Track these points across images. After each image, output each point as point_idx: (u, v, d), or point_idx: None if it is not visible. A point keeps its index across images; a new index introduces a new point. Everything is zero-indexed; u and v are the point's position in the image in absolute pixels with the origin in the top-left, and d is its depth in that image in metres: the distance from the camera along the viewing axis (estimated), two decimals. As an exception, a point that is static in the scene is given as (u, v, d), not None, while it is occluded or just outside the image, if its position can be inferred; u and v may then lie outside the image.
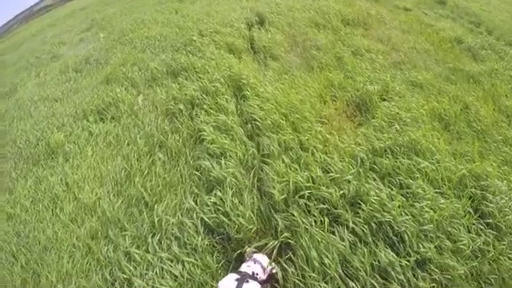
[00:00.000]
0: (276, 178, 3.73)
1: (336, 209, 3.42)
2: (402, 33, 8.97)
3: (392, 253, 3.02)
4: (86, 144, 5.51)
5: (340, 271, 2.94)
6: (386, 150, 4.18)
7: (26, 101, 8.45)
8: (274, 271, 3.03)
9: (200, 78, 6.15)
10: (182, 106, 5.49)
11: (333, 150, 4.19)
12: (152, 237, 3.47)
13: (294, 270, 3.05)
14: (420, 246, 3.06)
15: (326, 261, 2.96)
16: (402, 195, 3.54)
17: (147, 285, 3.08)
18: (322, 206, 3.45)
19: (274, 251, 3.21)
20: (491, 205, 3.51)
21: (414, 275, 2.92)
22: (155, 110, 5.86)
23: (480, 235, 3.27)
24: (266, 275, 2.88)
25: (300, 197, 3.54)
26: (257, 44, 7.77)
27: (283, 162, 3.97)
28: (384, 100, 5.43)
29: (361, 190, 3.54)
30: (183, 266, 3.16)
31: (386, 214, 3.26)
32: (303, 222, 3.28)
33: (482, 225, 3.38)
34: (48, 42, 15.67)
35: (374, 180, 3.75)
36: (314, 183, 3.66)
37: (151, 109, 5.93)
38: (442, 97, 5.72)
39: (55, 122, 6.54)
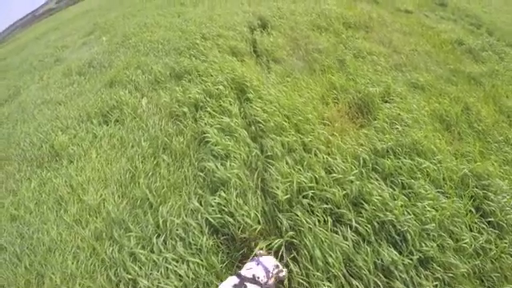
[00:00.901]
0: (280, 178, 3.78)
1: (339, 208, 3.46)
2: (403, 35, 9.02)
3: (395, 252, 3.06)
4: (91, 146, 5.55)
5: (344, 270, 2.98)
6: (387, 151, 4.24)
7: (30, 104, 8.55)
8: (281, 274, 2.96)
9: (203, 80, 6.21)
10: (185, 109, 5.53)
11: (335, 150, 4.23)
12: (157, 237, 3.50)
13: (298, 270, 3.08)
14: (422, 244, 3.11)
15: (330, 260, 3.00)
16: (404, 195, 3.58)
17: (152, 285, 3.11)
18: (325, 205, 3.49)
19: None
20: (493, 204, 3.55)
21: (416, 274, 2.95)
22: (159, 112, 5.90)
23: (482, 234, 3.31)
24: (271, 279, 2.81)
25: (303, 197, 3.58)
26: (259, 47, 7.83)
27: (287, 163, 4.02)
28: (386, 102, 5.48)
29: (363, 190, 3.59)
30: (188, 266, 3.19)
31: (388, 213, 3.30)
32: (307, 222, 3.32)
33: (483, 223, 3.42)
34: (51, 45, 15.82)
35: (377, 180, 3.80)
36: (317, 183, 3.71)
37: (155, 111, 5.97)
38: (443, 98, 5.77)
39: (59, 125, 6.59)
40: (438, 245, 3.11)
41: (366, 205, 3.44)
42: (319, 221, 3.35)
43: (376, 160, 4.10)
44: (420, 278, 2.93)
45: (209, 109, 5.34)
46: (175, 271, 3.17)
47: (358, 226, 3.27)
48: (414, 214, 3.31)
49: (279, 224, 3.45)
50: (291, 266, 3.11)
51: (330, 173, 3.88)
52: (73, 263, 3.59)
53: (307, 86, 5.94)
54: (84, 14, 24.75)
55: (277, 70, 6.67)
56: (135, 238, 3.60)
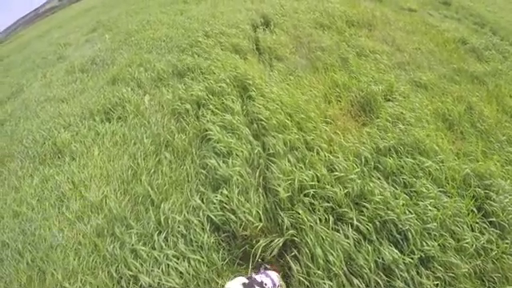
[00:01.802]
0: (281, 176, 3.77)
1: (340, 207, 3.46)
2: (406, 34, 8.99)
3: (396, 250, 3.05)
4: (93, 143, 5.56)
5: (344, 268, 2.97)
6: (390, 150, 4.23)
7: (33, 101, 8.56)
8: None
9: (206, 78, 6.20)
10: (188, 106, 5.53)
11: (337, 149, 4.23)
12: (158, 234, 3.51)
13: (299, 268, 3.08)
14: (424, 244, 3.10)
15: (331, 258, 3.00)
16: (405, 194, 3.57)
17: (153, 281, 3.12)
18: (326, 204, 3.49)
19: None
20: (495, 204, 3.54)
21: (417, 273, 2.95)
22: (162, 109, 5.90)
23: (483, 234, 3.30)
24: None
25: (305, 195, 3.58)
26: (262, 45, 7.81)
27: (289, 161, 4.01)
28: (388, 100, 5.46)
29: (365, 188, 3.59)
30: (189, 263, 3.21)
31: (390, 212, 3.30)
32: (308, 220, 3.32)
33: (485, 223, 3.41)
34: (54, 43, 15.82)
35: (379, 179, 3.80)
36: (318, 182, 3.71)
37: (158, 109, 5.97)
38: (445, 97, 5.75)
39: (62, 122, 6.60)
40: (439, 244, 3.10)
41: (367, 203, 3.43)
42: (320, 219, 3.35)
43: (378, 159, 4.10)
44: (421, 277, 2.92)
45: (211, 106, 5.33)
46: (176, 268, 3.18)
47: (359, 224, 3.27)
48: (416, 213, 3.31)
49: (280, 222, 3.45)
50: (292, 264, 3.12)
51: (332, 171, 3.88)
52: (74, 259, 3.59)
53: (310, 84, 5.93)
54: (87, 11, 24.76)
55: (279, 67, 6.65)
56: (137, 234, 3.60)
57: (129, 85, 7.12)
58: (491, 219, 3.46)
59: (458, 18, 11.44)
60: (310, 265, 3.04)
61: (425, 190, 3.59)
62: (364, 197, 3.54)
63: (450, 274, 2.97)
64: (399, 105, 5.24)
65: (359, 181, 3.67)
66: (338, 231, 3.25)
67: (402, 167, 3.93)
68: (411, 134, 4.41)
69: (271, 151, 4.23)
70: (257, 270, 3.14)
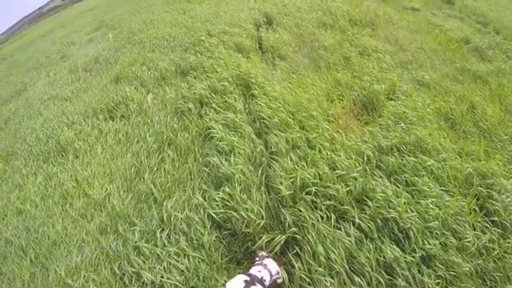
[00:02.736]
0: (284, 174, 3.79)
1: (342, 205, 3.48)
2: (409, 33, 8.97)
3: (397, 249, 3.07)
4: (96, 142, 5.61)
5: (346, 266, 2.99)
6: (392, 148, 4.24)
7: (36, 100, 8.64)
8: (278, 281, 3.05)
9: (209, 77, 6.24)
10: (191, 105, 5.57)
11: (340, 147, 4.24)
12: (161, 232, 3.54)
13: (300, 265, 3.10)
14: (425, 242, 3.11)
15: (333, 256, 3.02)
16: (407, 192, 3.58)
17: (155, 278, 3.15)
18: (328, 202, 3.51)
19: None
20: (497, 203, 3.53)
21: (419, 271, 2.96)
22: (164, 108, 5.95)
23: (485, 233, 3.29)
24: (271, 282, 2.90)
25: (307, 193, 3.59)
26: (265, 44, 7.84)
27: (291, 159, 4.04)
28: (390, 99, 5.46)
29: (367, 186, 3.60)
30: (189, 260, 3.23)
31: (391, 210, 3.31)
32: (310, 218, 3.34)
33: (487, 223, 3.41)
34: (57, 42, 15.94)
35: (380, 177, 3.81)
36: (320, 180, 3.73)
37: (161, 107, 6.02)
38: (448, 96, 5.73)
39: (65, 120, 6.65)
40: (440, 243, 3.11)
41: (369, 202, 3.44)
42: (322, 217, 3.37)
43: (380, 157, 4.11)
44: (422, 275, 2.94)
45: (214, 105, 5.37)
46: (177, 266, 3.20)
47: (360, 222, 3.28)
48: (418, 212, 3.31)
49: (282, 219, 3.47)
50: (293, 261, 3.13)
51: (334, 169, 3.89)
52: (77, 256, 3.62)
53: (312, 83, 5.94)
54: (90, 10, 24.89)
55: (282, 66, 6.68)
56: (139, 232, 3.63)
57: (132, 83, 7.18)
58: (493, 218, 3.45)
59: (461, 17, 11.40)
60: (311, 262, 3.06)
61: (427, 189, 3.59)
62: (366, 195, 3.55)
63: (452, 273, 2.98)
64: (402, 104, 5.23)
65: (361, 179, 3.68)
66: (339, 229, 3.27)
67: (404, 166, 3.94)
68: (413, 133, 4.41)
69: (273, 149, 4.26)
70: (254, 259, 3.16)
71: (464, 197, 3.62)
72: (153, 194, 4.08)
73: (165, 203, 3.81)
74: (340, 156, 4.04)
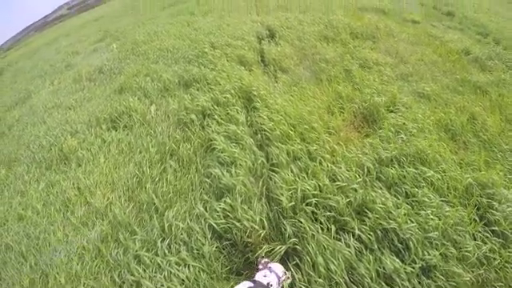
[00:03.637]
0: (284, 186, 3.83)
1: (342, 216, 3.50)
2: (409, 45, 9.06)
3: (397, 260, 3.08)
4: (99, 151, 5.67)
5: (346, 277, 3.01)
6: (392, 160, 4.27)
7: (40, 107, 8.77)
8: (288, 282, 3.02)
9: (211, 89, 6.32)
10: (193, 116, 5.63)
11: (340, 159, 4.28)
12: (162, 241, 3.57)
13: (300, 276, 3.12)
14: (425, 253, 3.13)
15: (332, 267, 3.04)
16: (407, 203, 3.61)
17: (155, 287, 3.18)
18: (328, 213, 3.53)
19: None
20: (497, 213, 3.55)
21: (419, 282, 2.98)
22: (167, 119, 6.02)
23: (486, 243, 3.31)
24: (279, 286, 2.87)
25: (307, 204, 3.63)
26: (267, 57, 7.94)
27: (291, 171, 4.08)
28: (391, 111, 5.51)
29: (367, 198, 3.63)
30: (189, 270, 3.26)
31: (391, 221, 3.34)
32: (310, 229, 3.37)
33: (487, 232, 3.43)
34: (62, 51, 16.17)
35: (380, 189, 3.83)
36: (321, 191, 3.76)
37: (163, 118, 6.09)
38: (448, 107, 5.78)
39: (68, 129, 6.74)
40: (440, 253, 3.13)
41: (369, 213, 3.47)
42: (322, 228, 3.40)
43: (380, 169, 4.14)
44: (422, 286, 2.95)
45: (216, 117, 5.44)
46: (177, 275, 3.23)
47: (360, 233, 3.30)
48: (417, 223, 3.34)
49: (283, 230, 3.49)
50: (293, 272, 3.15)
51: (334, 181, 3.92)
52: (78, 264, 3.66)
53: (313, 96, 6.01)
54: (95, 20, 25.28)
55: (284, 79, 6.76)
56: (140, 241, 3.67)
57: (135, 94, 7.26)
58: (494, 228, 3.47)
59: (461, 29, 11.50)
60: (311, 273, 3.08)
61: (426, 200, 3.62)
62: (366, 206, 3.57)
63: (452, 283, 2.99)
64: (402, 116, 5.28)
65: (361, 191, 3.71)
66: (339, 240, 3.29)
67: (404, 177, 3.97)
68: (413, 145, 4.45)
69: (274, 161, 4.30)
70: (257, 266, 3.15)
71: (464, 207, 3.65)
72: (154, 203, 4.13)
73: (166, 213, 3.85)
74: (340, 168, 4.07)
